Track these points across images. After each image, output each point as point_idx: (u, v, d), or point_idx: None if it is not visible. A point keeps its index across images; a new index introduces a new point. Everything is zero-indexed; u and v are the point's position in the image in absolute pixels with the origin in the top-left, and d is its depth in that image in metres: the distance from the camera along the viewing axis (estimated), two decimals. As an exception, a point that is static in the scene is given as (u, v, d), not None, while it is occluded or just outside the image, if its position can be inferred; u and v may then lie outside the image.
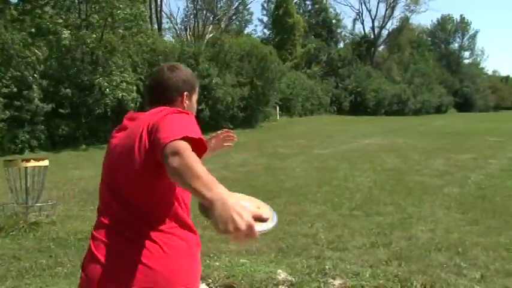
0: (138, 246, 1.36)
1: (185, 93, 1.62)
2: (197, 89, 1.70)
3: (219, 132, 2.12)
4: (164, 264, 1.35)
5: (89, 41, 14.75)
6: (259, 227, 1.02)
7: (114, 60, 15.40)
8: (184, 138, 1.23)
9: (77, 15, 15.81)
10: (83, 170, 9.58)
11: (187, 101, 1.62)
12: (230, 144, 2.13)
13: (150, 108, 1.54)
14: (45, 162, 5.35)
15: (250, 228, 1.02)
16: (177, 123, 1.32)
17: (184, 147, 1.20)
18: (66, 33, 14.38)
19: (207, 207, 1.06)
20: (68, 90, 14.44)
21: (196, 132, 1.30)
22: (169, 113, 1.40)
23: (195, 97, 1.68)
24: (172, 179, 1.19)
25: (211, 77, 20.46)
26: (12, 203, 5.30)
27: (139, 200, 1.40)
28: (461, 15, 61.15)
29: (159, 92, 1.59)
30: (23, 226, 4.90)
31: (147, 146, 1.35)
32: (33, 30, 14.85)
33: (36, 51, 14.02)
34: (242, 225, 1.00)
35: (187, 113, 1.45)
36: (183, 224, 1.45)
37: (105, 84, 14.66)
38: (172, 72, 1.61)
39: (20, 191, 5.22)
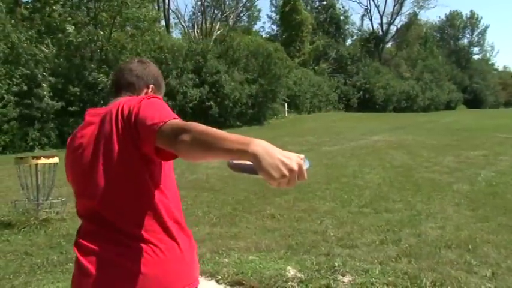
0: (128, 251, 1.28)
1: (151, 85, 1.55)
2: (163, 92, 1.62)
3: None
4: (156, 268, 1.28)
5: (95, 38, 14.84)
6: (305, 166, 1.02)
7: (123, 58, 15.47)
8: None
9: (85, 13, 15.89)
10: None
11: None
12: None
13: (114, 98, 1.47)
14: (55, 160, 5.39)
15: (301, 167, 1.00)
16: (158, 108, 1.23)
17: (185, 122, 1.13)
18: (70, 29, 14.47)
19: (245, 166, 1.05)
20: (76, 88, 14.55)
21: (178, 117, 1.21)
22: (143, 99, 1.28)
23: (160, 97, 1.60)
24: (190, 155, 1.13)
25: (220, 74, 20.48)
26: (24, 200, 5.36)
27: (125, 202, 1.30)
28: (471, 11, 60.58)
29: (126, 79, 1.52)
30: (34, 223, 4.96)
31: (127, 140, 1.25)
32: (42, 28, 14.97)
33: (44, 48, 14.12)
34: (295, 165, 0.99)
35: (160, 98, 1.34)
36: (173, 225, 1.35)
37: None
38: (143, 64, 1.58)
39: (31, 188, 5.28)
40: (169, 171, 1.40)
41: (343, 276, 3.52)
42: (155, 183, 1.31)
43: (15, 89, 13.13)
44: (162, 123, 1.14)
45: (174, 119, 1.17)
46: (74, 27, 14.71)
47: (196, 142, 1.07)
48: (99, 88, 15.05)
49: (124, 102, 1.31)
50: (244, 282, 3.41)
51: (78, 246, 1.34)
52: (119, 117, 1.27)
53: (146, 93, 1.52)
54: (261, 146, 1.01)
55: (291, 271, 3.60)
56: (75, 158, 1.39)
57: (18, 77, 13.29)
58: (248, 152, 1.00)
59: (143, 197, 1.31)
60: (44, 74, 13.82)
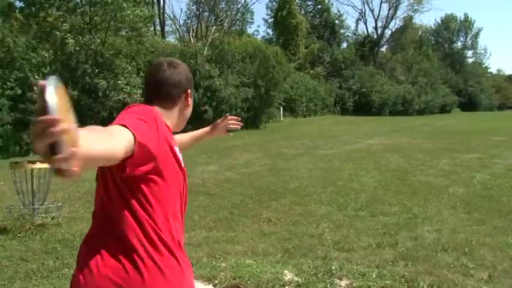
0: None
1: (189, 90, 1.52)
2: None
3: (226, 115, 2.14)
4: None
5: (93, 47, 14.87)
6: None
7: (118, 62, 15.46)
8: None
9: (80, 17, 15.85)
10: (87, 171, 9.58)
11: (190, 98, 1.53)
12: (233, 129, 2.15)
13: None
14: (51, 164, 5.35)
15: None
16: (121, 118, 1.29)
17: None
18: (70, 40, 14.43)
19: None
20: (71, 92, 14.50)
21: (133, 122, 1.24)
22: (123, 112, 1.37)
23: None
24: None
25: (214, 78, 20.49)
26: (19, 205, 5.32)
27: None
28: (465, 14, 60.87)
29: (162, 90, 1.47)
30: (30, 228, 4.91)
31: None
32: (39, 33, 14.94)
33: (43, 53, 14.08)
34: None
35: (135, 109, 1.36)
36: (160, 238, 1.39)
37: (109, 86, 14.73)
38: (175, 68, 1.50)
39: (27, 193, 5.24)
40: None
41: (340, 279, 3.52)
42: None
43: (9, 92, 13.06)
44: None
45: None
46: (73, 37, 14.63)
47: None
48: (96, 91, 15.01)
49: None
50: (241, 286, 3.40)
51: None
52: None
53: (186, 98, 1.52)
54: None
55: (288, 275, 3.59)
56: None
57: (12, 80, 13.22)
58: None
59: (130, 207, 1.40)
60: (37, 77, 13.72)
